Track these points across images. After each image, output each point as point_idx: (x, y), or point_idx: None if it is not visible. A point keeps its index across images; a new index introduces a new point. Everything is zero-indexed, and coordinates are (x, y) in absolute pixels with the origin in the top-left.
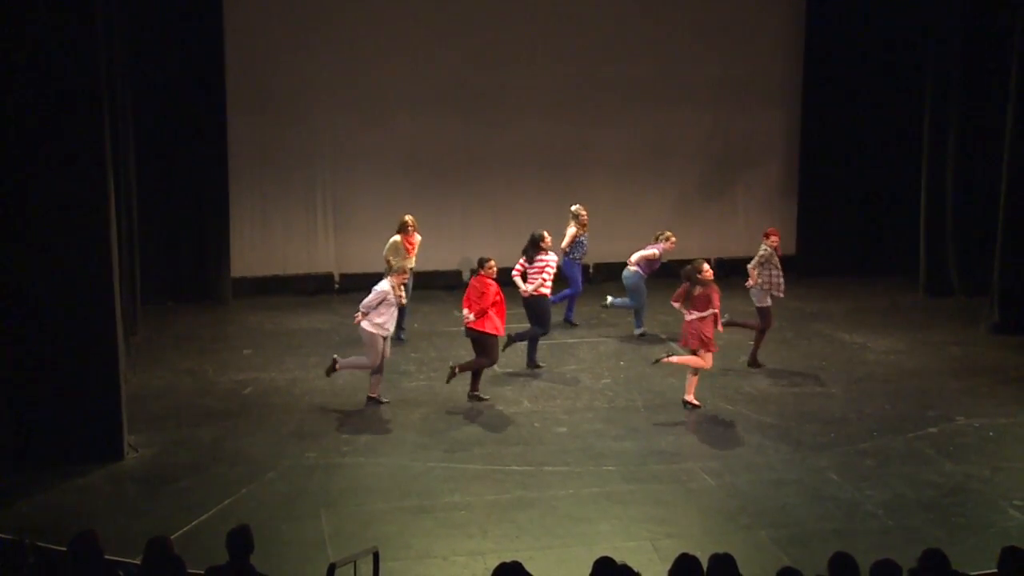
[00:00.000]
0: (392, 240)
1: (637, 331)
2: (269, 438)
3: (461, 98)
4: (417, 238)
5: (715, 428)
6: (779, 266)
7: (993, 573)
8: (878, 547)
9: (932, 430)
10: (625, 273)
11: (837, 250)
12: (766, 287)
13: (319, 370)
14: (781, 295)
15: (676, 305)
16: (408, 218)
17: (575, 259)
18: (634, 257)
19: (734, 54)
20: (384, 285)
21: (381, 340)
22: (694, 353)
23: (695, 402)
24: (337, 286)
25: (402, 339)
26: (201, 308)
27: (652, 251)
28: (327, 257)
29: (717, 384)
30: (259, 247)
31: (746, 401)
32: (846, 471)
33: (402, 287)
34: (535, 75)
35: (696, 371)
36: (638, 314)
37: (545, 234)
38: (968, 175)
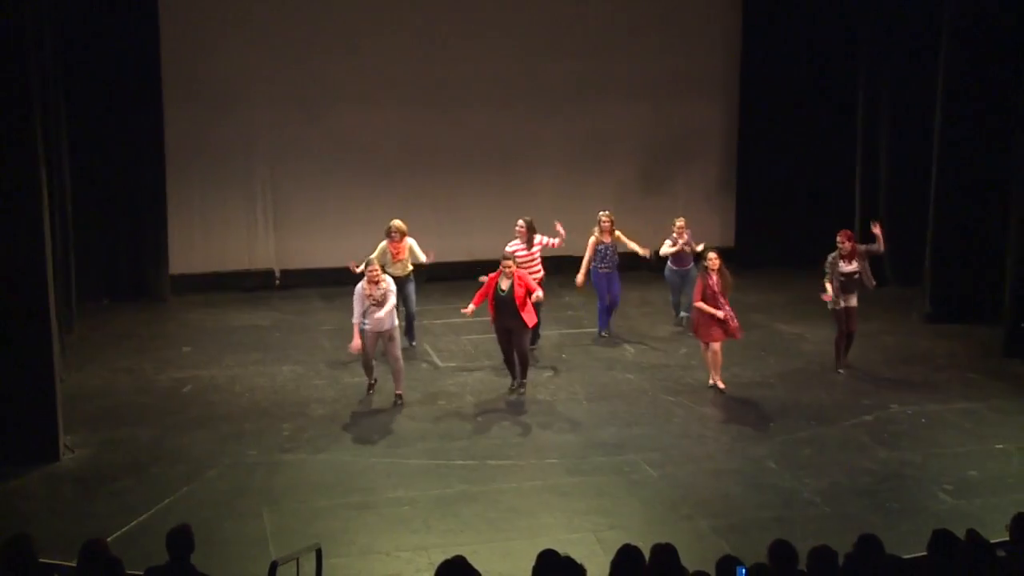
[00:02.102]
0: (380, 244)
1: (682, 314)
2: (209, 436)
3: (402, 92)
4: (408, 242)
5: (656, 420)
6: (843, 272)
7: (924, 555)
8: (816, 533)
9: (867, 418)
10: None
11: (775, 242)
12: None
13: (260, 367)
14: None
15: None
16: (392, 223)
17: (598, 268)
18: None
19: (673, 50)
20: (357, 289)
21: (368, 335)
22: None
23: (721, 384)
24: (278, 282)
25: (412, 345)
26: (139, 305)
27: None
28: (267, 253)
29: (658, 376)
30: (198, 243)
31: (687, 392)
32: (784, 460)
33: (377, 285)
34: (477, 69)
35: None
36: (675, 304)
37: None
38: (900, 169)
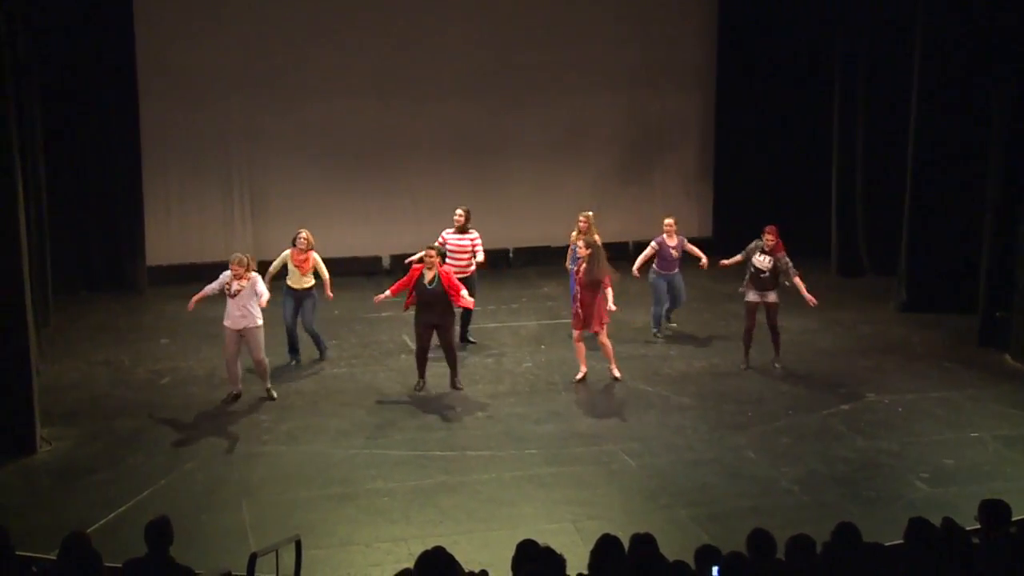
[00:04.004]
0: (283, 253)
1: (653, 331)
2: (188, 428)
3: (378, 83)
4: (314, 257)
5: (635, 409)
6: (758, 265)
7: (901, 543)
8: (793, 522)
9: (844, 407)
10: (648, 276)
11: (752, 232)
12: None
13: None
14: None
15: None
16: (300, 232)
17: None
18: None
19: (650, 39)
20: (226, 272)
21: (228, 332)
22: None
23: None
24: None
25: (292, 363)
26: (116, 297)
27: (648, 251)
28: (244, 244)
29: (636, 366)
30: (175, 234)
31: (665, 382)
32: (762, 449)
33: (239, 280)
34: (452, 59)
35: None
36: (655, 316)
37: (457, 212)
38: (876, 160)
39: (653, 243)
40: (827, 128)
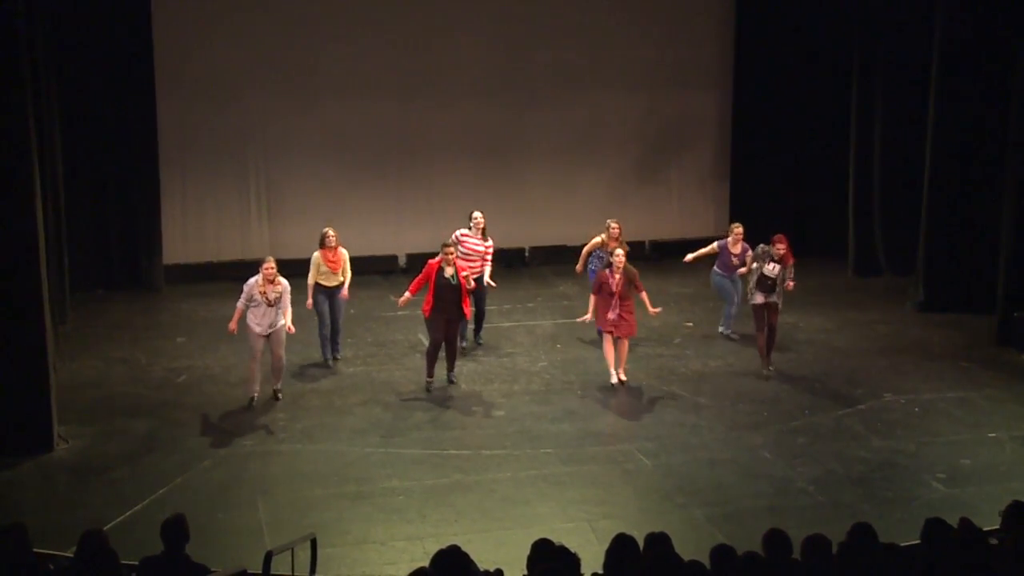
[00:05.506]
0: (314, 256)
1: (720, 329)
2: (204, 426)
3: (395, 82)
4: (343, 253)
5: (650, 409)
6: (768, 274)
7: (918, 544)
8: (809, 522)
9: (861, 407)
10: (712, 277)
11: (768, 231)
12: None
13: None
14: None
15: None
16: (328, 231)
17: (597, 268)
18: (688, 257)
19: (667, 38)
20: (250, 280)
21: (256, 338)
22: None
23: (623, 377)
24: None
25: (330, 363)
26: (133, 296)
27: (706, 250)
28: (261, 243)
29: (652, 365)
30: (191, 233)
31: (681, 382)
32: (779, 449)
33: (273, 285)
34: (470, 59)
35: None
36: (727, 315)
37: (479, 216)
38: (894, 158)
39: (715, 244)
40: (844, 127)
